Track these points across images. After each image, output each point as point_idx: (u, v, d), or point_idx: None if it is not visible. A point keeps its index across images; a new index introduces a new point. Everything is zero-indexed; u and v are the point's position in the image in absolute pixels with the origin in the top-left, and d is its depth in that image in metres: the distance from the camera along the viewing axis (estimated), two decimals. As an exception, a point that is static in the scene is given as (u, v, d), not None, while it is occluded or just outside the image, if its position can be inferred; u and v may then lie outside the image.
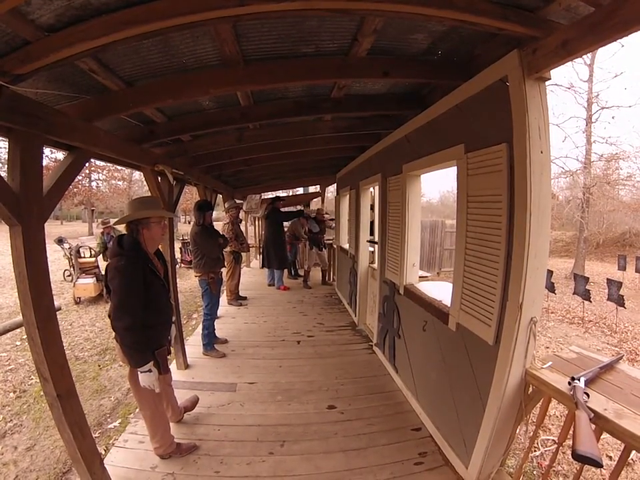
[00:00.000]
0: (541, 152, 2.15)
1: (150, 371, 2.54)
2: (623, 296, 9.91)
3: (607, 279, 10.75)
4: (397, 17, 2.01)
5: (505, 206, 2.31)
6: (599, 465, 1.75)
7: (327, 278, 9.85)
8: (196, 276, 5.05)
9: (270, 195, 13.68)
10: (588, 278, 11.03)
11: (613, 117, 18.95)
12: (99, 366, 5.29)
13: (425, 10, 1.83)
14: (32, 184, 2.04)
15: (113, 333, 2.60)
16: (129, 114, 3.05)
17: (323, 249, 9.48)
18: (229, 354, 4.97)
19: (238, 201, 8.14)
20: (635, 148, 23.60)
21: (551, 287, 10.92)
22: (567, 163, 19.95)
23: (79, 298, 8.90)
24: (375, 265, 5.48)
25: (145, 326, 2.52)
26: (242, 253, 7.45)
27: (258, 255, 12.51)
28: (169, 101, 2.80)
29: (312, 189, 14.82)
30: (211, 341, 5.00)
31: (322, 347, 5.32)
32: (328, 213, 10.82)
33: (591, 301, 10.42)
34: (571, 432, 1.91)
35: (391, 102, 3.57)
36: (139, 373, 2.53)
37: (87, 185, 29.16)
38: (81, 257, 9.68)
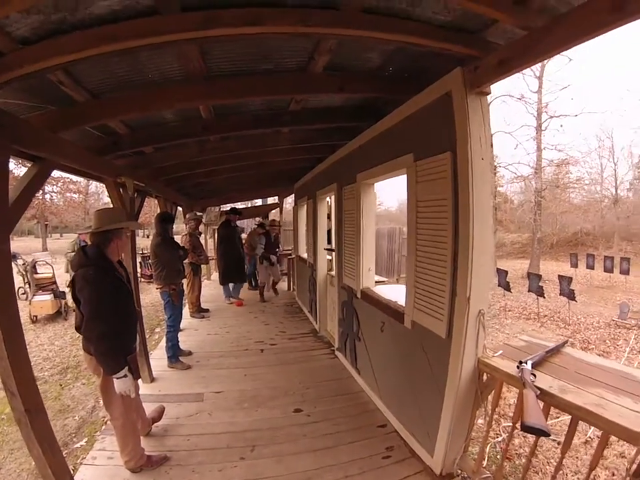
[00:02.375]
0: (482, 159, 2.37)
1: (125, 376, 2.57)
2: (573, 290, 10.46)
3: (559, 275, 11.31)
4: (348, 39, 2.17)
5: (450, 209, 2.51)
6: (546, 434, 1.97)
7: (274, 288, 9.49)
8: (157, 288, 5.03)
9: (229, 206, 13.67)
10: (541, 276, 11.61)
11: (561, 125, 20.09)
12: (61, 385, 5.12)
13: (373, 34, 2.02)
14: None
15: (80, 347, 2.62)
16: (93, 125, 3.08)
17: (275, 263, 8.98)
18: (194, 365, 4.97)
19: (198, 213, 8.06)
20: (582, 154, 25.17)
21: (506, 286, 11.40)
22: (519, 169, 21.02)
23: (36, 316, 8.39)
24: (333, 272, 5.61)
25: (116, 333, 2.56)
26: (201, 265, 7.44)
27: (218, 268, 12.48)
28: (135, 113, 2.87)
29: (270, 200, 14.84)
30: (175, 353, 4.98)
31: (285, 354, 5.42)
32: (281, 225, 10.62)
33: (544, 297, 10.92)
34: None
35: (346, 114, 3.72)
36: (114, 380, 2.55)
37: (41, 197, 27.68)
38: (37, 273, 9.31)
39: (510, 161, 21.81)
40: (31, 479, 3.10)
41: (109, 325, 2.50)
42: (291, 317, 7.54)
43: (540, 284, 10.90)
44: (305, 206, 7.62)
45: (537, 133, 20.37)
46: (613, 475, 3.31)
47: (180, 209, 8.17)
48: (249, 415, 3.76)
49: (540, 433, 1.97)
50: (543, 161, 20.80)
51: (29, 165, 2.51)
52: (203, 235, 11.20)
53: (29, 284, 9.05)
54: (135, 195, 4.21)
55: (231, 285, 8.61)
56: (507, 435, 2.61)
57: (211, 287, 10.06)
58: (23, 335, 2.25)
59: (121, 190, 3.97)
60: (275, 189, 11.31)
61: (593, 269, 16.81)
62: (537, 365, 2.29)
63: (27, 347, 5.97)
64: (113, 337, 2.52)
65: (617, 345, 8.45)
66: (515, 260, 26.13)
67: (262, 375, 4.71)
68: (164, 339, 5.25)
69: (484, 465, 2.86)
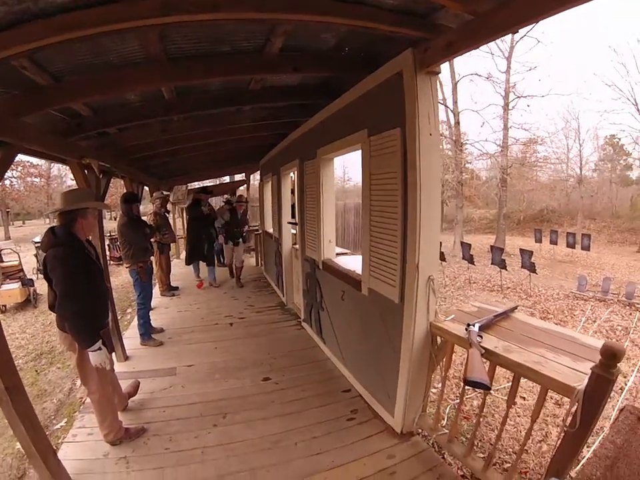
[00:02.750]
0: (430, 134, 2.55)
1: (100, 349, 2.68)
2: (534, 263, 10.98)
3: (520, 249, 11.84)
4: (303, 23, 2.27)
5: (400, 182, 2.69)
6: (487, 387, 2.17)
7: (238, 276, 8.43)
8: (126, 267, 5.10)
9: (197, 184, 13.55)
10: (503, 249, 12.11)
11: (528, 105, 20.65)
12: (36, 371, 5.15)
13: (326, 18, 2.13)
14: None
15: (54, 330, 2.71)
16: (56, 108, 3.09)
17: (240, 242, 8.17)
18: (166, 342, 5.10)
19: (165, 192, 8.04)
20: (549, 134, 25.81)
21: (470, 259, 11.84)
22: (485, 146, 21.61)
23: (4, 306, 8.25)
24: (297, 246, 5.81)
25: (89, 309, 2.66)
26: (170, 244, 7.51)
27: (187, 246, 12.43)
28: (98, 96, 2.92)
29: (238, 177, 14.80)
30: (147, 330, 5.09)
31: (253, 327, 5.63)
32: (248, 201, 9.73)
33: (507, 269, 11.41)
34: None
35: (306, 92, 3.83)
36: (89, 353, 2.66)
37: (0, 183, 26.85)
38: (2, 262, 9.15)
39: (477, 139, 22.26)
40: (16, 463, 3.15)
41: (82, 302, 2.60)
42: (258, 292, 7.79)
43: (503, 257, 11.39)
44: (270, 182, 7.83)
45: (504, 112, 20.83)
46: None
47: (147, 188, 8.09)
48: (220, 385, 3.93)
49: (482, 386, 2.16)
50: (509, 140, 21.28)
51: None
52: (171, 214, 11.14)
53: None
54: (101, 176, 4.23)
55: (207, 268, 8.29)
56: (460, 394, 2.83)
57: (181, 266, 10.09)
58: None
59: (86, 171, 3.98)
60: (242, 166, 11.34)
61: (556, 244, 17.58)
62: (485, 327, 2.49)
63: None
64: (85, 313, 2.62)
65: (574, 315, 8.94)
66: (482, 235, 26.91)
67: (231, 347, 4.92)
68: (135, 318, 5.33)
69: (443, 424, 3.09)
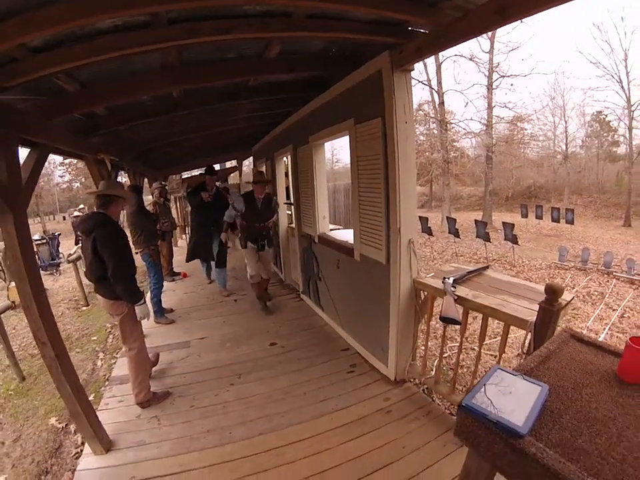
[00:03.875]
0: (406, 122, 3.05)
1: (145, 302, 3.29)
2: (516, 235, 11.51)
3: (503, 222, 12.36)
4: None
5: (382, 163, 3.18)
6: (458, 322, 2.70)
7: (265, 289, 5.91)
8: (137, 252, 5.24)
9: (187, 174, 13.74)
10: (486, 223, 12.61)
11: (512, 85, 20.80)
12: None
13: (315, 34, 2.64)
14: (14, 177, 2.40)
15: (98, 295, 3.27)
16: (82, 112, 3.44)
17: (265, 246, 5.50)
18: (177, 319, 5.48)
19: (163, 182, 8.25)
20: (536, 111, 26.26)
21: (455, 233, 12.40)
22: (470, 125, 22.02)
23: (14, 302, 8.04)
24: (293, 225, 6.25)
25: (134, 272, 3.29)
26: (171, 232, 7.72)
27: (183, 235, 12.65)
28: (120, 100, 3.27)
29: (228, 164, 14.98)
30: (160, 308, 5.48)
31: (256, 301, 5.89)
32: (270, 181, 6.83)
33: (490, 242, 11.94)
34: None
35: (298, 86, 4.22)
36: (136, 308, 3.23)
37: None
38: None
39: (461, 118, 22.71)
40: (51, 436, 3.36)
41: (130, 268, 3.22)
42: None
43: (488, 231, 11.89)
44: (264, 166, 8.08)
45: (487, 92, 21.16)
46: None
47: (146, 180, 8.32)
48: (232, 352, 4.36)
49: (454, 322, 2.69)
50: (493, 118, 21.70)
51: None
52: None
53: (3, 271, 9.15)
54: (111, 169, 4.59)
55: (216, 270, 6.79)
56: (452, 352, 3.33)
57: (180, 253, 10.36)
58: (46, 294, 2.66)
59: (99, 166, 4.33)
60: (234, 153, 11.60)
61: (541, 219, 18.10)
62: (459, 281, 2.99)
63: (14, 330, 6.17)
64: (133, 276, 3.26)
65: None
66: (471, 212, 27.23)
67: (238, 320, 5.36)
68: (148, 295, 5.58)
69: (432, 371, 3.53)
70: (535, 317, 2.23)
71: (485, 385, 1.25)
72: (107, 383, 3.98)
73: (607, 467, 0.96)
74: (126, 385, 3.63)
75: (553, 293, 2.13)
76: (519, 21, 2.13)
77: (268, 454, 2.74)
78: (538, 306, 2.24)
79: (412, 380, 3.57)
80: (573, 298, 2.51)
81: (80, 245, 8.74)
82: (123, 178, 8.15)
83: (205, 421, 3.17)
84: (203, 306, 6.08)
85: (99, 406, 3.45)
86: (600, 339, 5.61)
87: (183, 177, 13.21)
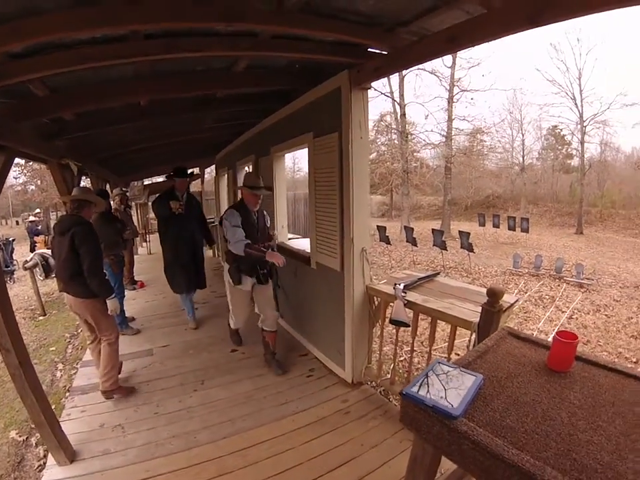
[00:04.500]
0: (361, 138, 3.25)
1: (115, 297, 3.45)
2: (471, 243, 11.94)
3: (459, 231, 12.80)
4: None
5: (337, 176, 3.38)
6: (407, 325, 2.86)
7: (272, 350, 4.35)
8: None
9: (149, 180, 13.55)
10: (443, 231, 13.03)
11: (472, 99, 21.69)
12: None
13: (279, 53, 2.78)
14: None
15: (69, 295, 3.37)
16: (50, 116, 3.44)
17: (266, 276, 4.06)
18: (140, 328, 5.42)
19: (124, 189, 8.08)
20: (495, 125, 27.47)
21: (413, 241, 12.74)
22: (430, 137, 22.83)
23: None
24: None
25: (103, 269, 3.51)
26: (132, 239, 7.58)
27: (144, 243, 12.42)
28: (89, 106, 3.30)
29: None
30: (124, 319, 5.34)
31: (217, 309, 6.02)
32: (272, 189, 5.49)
33: (447, 250, 12.34)
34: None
35: (263, 99, 4.36)
36: (108, 302, 3.38)
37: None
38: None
39: (422, 129, 23.63)
40: (13, 450, 3.30)
41: (102, 264, 3.47)
42: (218, 279, 7.82)
43: (446, 240, 12.29)
44: (226, 175, 8.18)
45: (448, 105, 22.05)
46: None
47: (107, 185, 8.16)
48: (194, 358, 4.40)
49: (403, 324, 2.87)
50: (453, 130, 22.58)
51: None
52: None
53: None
54: (76, 174, 4.54)
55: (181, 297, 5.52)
56: (407, 356, 3.50)
57: (141, 260, 10.35)
58: (9, 299, 2.63)
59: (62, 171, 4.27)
60: (197, 161, 11.56)
61: (498, 227, 18.75)
62: (410, 287, 3.18)
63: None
64: (103, 271, 3.49)
65: (509, 288, 9.87)
66: (431, 221, 27.82)
67: (200, 327, 5.41)
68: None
69: (389, 374, 3.65)
70: (478, 319, 2.43)
71: (425, 375, 1.39)
72: (67, 394, 3.91)
73: (532, 441, 1.10)
74: (88, 394, 3.65)
75: (493, 295, 2.33)
76: (469, 48, 2.35)
77: (233, 456, 2.81)
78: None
79: (369, 382, 3.73)
80: (517, 300, 2.75)
81: (36, 251, 8.61)
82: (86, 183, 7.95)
83: (169, 426, 3.20)
84: (165, 314, 6.06)
85: (60, 417, 3.35)
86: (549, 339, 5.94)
87: (145, 183, 13.06)
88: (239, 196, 4.16)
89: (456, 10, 2.18)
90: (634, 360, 6.60)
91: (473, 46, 2.24)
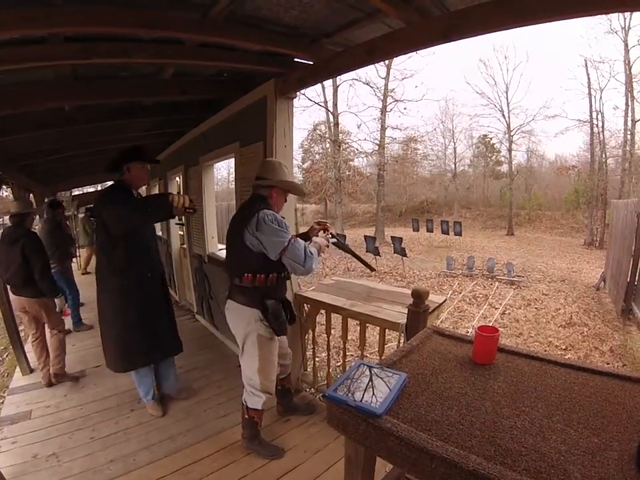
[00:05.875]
0: (285, 146, 3.28)
1: (62, 296, 3.97)
2: (404, 248, 12.35)
3: (391, 237, 13.22)
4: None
5: None
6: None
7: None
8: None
9: (78, 191, 13.03)
10: (375, 237, 13.46)
11: (405, 108, 22.64)
12: None
13: (206, 62, 2.80)
14: None
15: (21, 298, 3.79)
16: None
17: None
18: (70, 348, 4.87)
19: (60, 199, 7.92)
20: (428, 133, 29.47)
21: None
22: (363, 145, 23.46)
23: None
24: (185, 245, 6.26)
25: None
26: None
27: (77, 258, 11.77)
28: (7, 111, 3.02)
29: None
30: (79, 319, 5.65)
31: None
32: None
33: (380, 256, 12.70)
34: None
35: (192, 108, 4.33)
36: (56, 301, 3.90)
37: None
38: None
39: (355, 138, 24.31)
40: None
41: (50, 268, 3.95)
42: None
43: (379, 246, 12.64)
44: (157, 186, 8.02)
45: (381, 114, 22.81)
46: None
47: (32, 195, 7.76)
48: (130, 377, 4.04)
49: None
50: (386, 139, 23.48)
51: None
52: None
53: None
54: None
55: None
56: (346, 360, 3.55)
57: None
58: None
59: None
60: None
61: (432, 232, 19.44)
62: (339, 246, 3.18)
63: None
64: (51, 274, 3.95)
65: (443, 290, 10.29)
66: (366, 228, 28.35)
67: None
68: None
69: (325, 380, 3.72)
70: (405, 320, 2.52)
71: (347, 377, 1.41)
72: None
73: (456, 432, 1.14)
74: (18, 424, 3.40)
75: (418, 296, 2.43)
76: (387, 59, 2.49)
77: (175, 474, 2.73)
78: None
79: (307, 389, 3.77)
80: (444, 300, 2.87)
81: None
82: (5, 192, 7.53)
83: (106, 451, 3.04)
84: (96, 332, 5.68)
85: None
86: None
87: (73, 193, 12.46)
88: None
89: (379, 23, 2.31)
90: (563, 347, 7.08)
91: (391, 57, 2.40)
